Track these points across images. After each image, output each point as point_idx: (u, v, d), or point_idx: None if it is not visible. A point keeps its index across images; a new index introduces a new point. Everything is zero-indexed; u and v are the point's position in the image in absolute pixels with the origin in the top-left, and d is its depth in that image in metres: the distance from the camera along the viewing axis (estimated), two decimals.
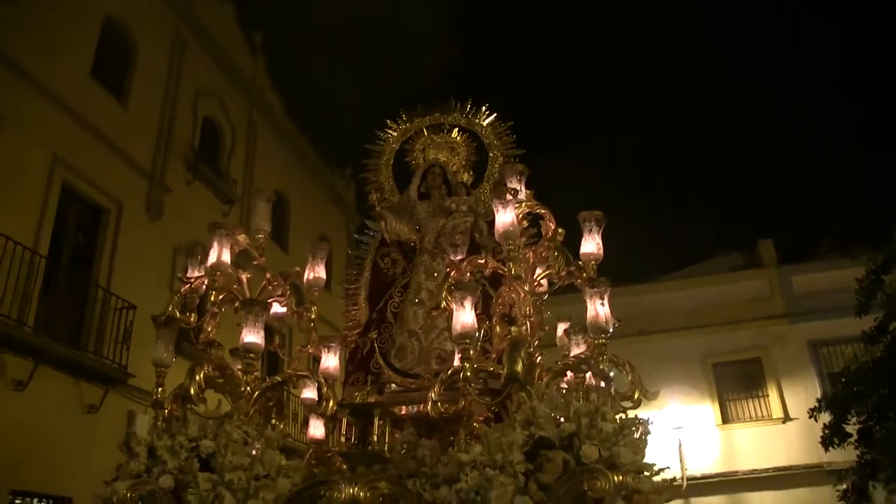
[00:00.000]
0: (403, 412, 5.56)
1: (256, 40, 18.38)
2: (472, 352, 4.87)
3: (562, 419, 4.26)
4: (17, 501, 10.38)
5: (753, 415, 17.82)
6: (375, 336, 6.29)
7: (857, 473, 11.44)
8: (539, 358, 5.16)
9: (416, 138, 7.08)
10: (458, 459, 4.29)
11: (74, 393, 11.36)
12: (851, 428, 11.49)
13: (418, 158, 7.04)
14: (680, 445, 16.93)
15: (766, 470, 16.48)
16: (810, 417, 12.19)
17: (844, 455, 12.28)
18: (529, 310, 5.08)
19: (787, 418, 17.02)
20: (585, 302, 4.74)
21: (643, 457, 5.19)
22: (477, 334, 5.08)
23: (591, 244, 5.03)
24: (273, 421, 5.50)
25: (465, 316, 4.65)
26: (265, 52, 18.70)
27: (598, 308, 4.71)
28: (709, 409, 17.84)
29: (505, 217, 4.85)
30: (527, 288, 5.06)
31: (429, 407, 4.91)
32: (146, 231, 13.34)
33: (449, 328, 5.08)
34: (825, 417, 11.89)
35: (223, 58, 16.75)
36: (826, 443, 11.70)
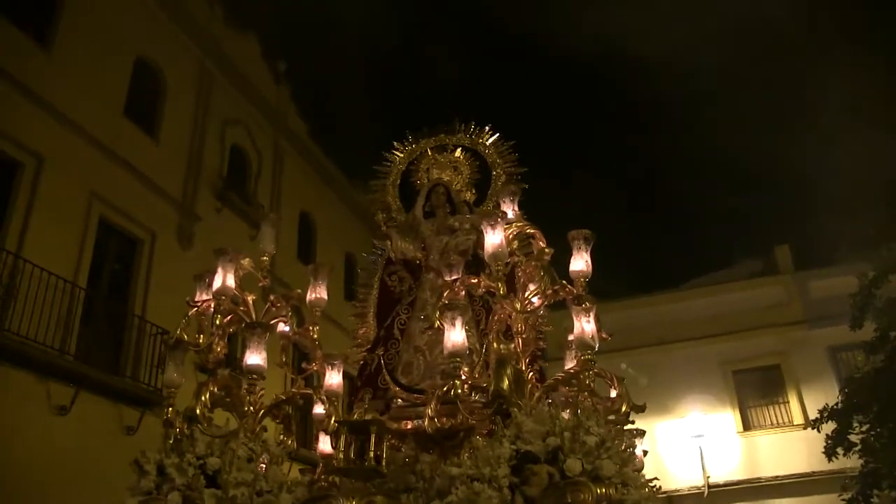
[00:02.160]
0: (409, 427, 5.58)
1: (280, 67, 18.56)
2: (464, 368, 4.94)
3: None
4: None
5: (774, 421, 17.50)
6: (382, 353, 6.29)
7: (860, 482, 11.19)
8: (531, 373, 5.16)
9: (420, 158, 7.08)
10: (449, 473, 4.30)
11: (114, 416, 11.60)
12: (857, 437, 11.27)
13: (423, 178, 7.02)
14: (701, 453, 16.78)
15: (789, 476, 16.14)
16: (813, 428, 11.97)
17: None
18: (521, 326, 5.08)
19: (808, 424, 16.59)
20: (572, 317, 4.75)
21: (634, 469, 5.18)
22: (469, 352, 5.16)
23: (580, 262, 5.01)
24: (282, 437, 5.59)
25: (455, 335, 4.68)
26: (289, 78, 18.91)
27: (584, 325, 4.70)
28: (729, 417, 17.56)
29: (493, 238, 4.86)
30: (518, 306, 5.06)
31: (426, 423, 4.95)
32: (178, 259, 13.51)
33: None
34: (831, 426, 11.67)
35: (248, 87, 16.99)
36: (829, 453, 11.49)
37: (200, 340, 5.38)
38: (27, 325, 10.27)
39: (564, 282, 4.94)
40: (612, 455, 4.17)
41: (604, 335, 5.64)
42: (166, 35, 14.58)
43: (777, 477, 16.28)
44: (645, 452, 6.05)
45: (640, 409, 4.95)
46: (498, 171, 6.85)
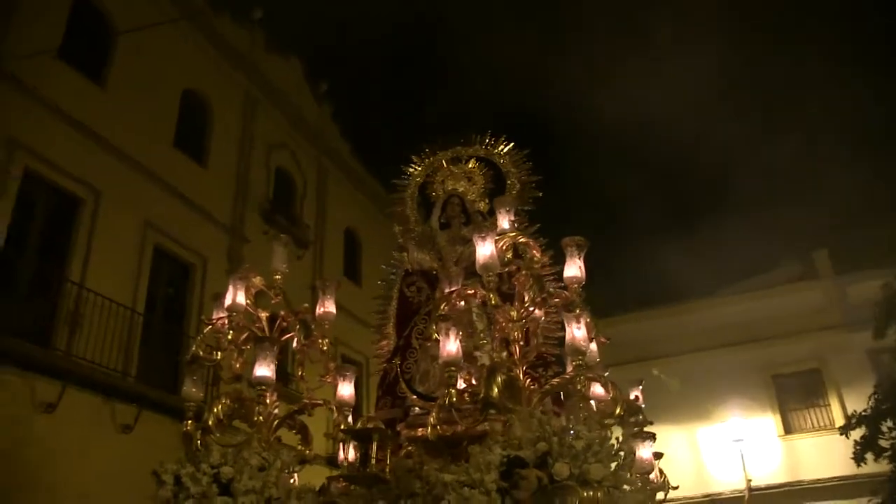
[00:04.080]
0: (420, 433, 5.53)
1: (321, 88, 18.60)
2: (465, 376, 4.92)
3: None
4: None
5: (816, 424, 16.96)
6: (399, 362, 6.25)
7: (890, 487, 10.74)
8: (529, 380, 5.06)
9: (437, 170, 7.02)
10: (442, 480, 4.25)
11: (174, 432, 11.71)
12: (887, 442, 10.82)
13: (438, 190, 6.96)
14: (742, 457, 16.33)
15: (831, 479, 15.52)
16: (842, 434, 11.53)
17: None
18: (518, 334, 5.00)
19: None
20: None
21: (643, 472, 5.02)
22: (476, 359, 5.11)
23: (574, 268, 4.92)
24: (299, 446, 5.59)
25: (450, 345, 4.61)
26: (330, 98, 18.94)
27: (575, 331, 4.58)
28: (770, 421, 17.11)
29: (484, 249, 4.80)
30: (514, 314, 4.98)
31: (428, 430, 4.91)
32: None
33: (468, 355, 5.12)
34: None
35: (291, 110, 17.11)
36: (857, 458, 11.06)
37: (218, 356, 5.45)
38: (92, 349, 10.64)
39: (552, 289, 4.85)
40: (601, 459, 4.07)
41: (602, 339, 5.55)
42: (211, 66, 14.84)
43: (818, 480, 15.75)
44: (659, 455, 5.88)
45: (635, 412, 4.80)
46: (512, 179, 6.74)
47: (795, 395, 17.34)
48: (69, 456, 10.03)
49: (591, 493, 3.95)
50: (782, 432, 16.99)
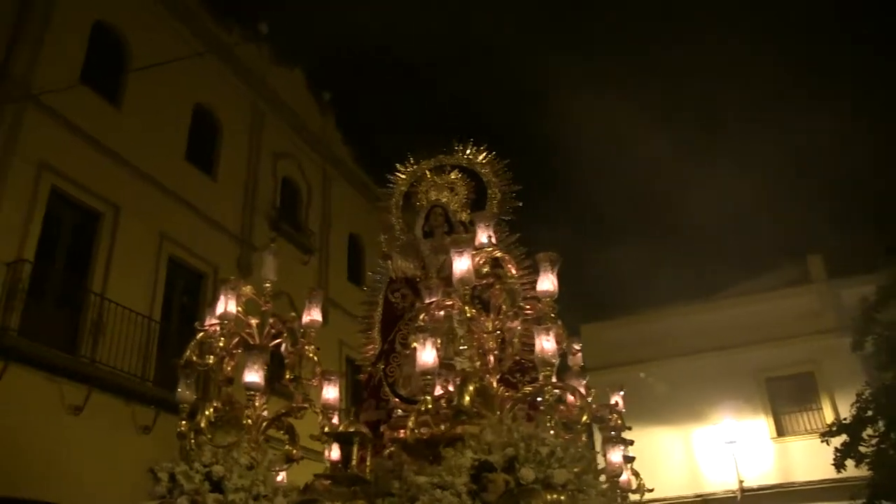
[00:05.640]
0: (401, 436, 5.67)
1: (324, 97, 18.73)
2: (443, 383, 5.06)
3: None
4: None
5: (808, 427, 16.84)
6: (383, 366, 6.38)
7: (868, 492, 10.82)
8: (504, 386, 5.20)
9: (421, 179, 7.09)
10: (416, 482, 4.40)
11: None
12: (867, 449, 10.92)
13: (422, 199, 7.02)
14: (735, 458, 16.38)
15: (822, 481, 15.31)
16: (822, 441, 11.57)
17: None
18: (492, 344, 5.14)
19: (837, 431, 15.98)
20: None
21: (613, 476, 5.15)
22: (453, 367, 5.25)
23: (547, 282, 5.05)
24: (287, 447, 5.76)
25: (426, 355, 4.76)
26: (333, 106, 19.08)
27: (545, 343, 4.70)
28: (763, 423, 17.09)
29: (461, 264, 4.92)
30: (489, 325, 5.12)
31: (406, 433, 5.06)
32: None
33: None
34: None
35: (296, 120, 17.28)
36: (837, 464, 11.11)
37: (210, 361, 5.63)
38: (114, 356, 11.03)
39: (521, 303, 4.99)
40: (565, 464, 4.21)
41: (574, 348, 5.68)
42: (220, 81, 15.07)
43: (809, 482, 15.70)
44: (631, 459, 5.99)
45: (601, 421, 4.94)
46: (493, 189, 6.81)
47: (788, 398, 17.29)
48: (94, 454, 10.45)
49: (556, 496, 4.09)
50: (775, 434, 16.98)
